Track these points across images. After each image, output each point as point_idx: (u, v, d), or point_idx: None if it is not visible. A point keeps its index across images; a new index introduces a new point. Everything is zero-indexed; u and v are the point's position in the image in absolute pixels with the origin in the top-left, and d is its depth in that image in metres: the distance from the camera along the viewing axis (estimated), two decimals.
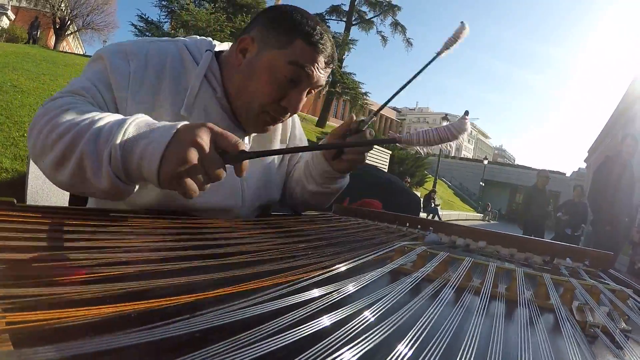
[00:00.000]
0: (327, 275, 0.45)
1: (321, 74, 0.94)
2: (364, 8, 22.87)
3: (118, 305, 0.30)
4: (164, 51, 0.93)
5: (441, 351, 0.29)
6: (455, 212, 21.12)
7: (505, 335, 0.35)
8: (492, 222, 27.91)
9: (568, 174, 43.14)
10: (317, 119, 24.24)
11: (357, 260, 0.54)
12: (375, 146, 13.44)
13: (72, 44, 36.44)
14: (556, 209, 7.91)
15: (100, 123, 0.69)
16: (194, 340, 0.27)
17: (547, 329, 0.40)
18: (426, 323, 0.34)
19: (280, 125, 1.13)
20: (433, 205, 14.65)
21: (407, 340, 0.30)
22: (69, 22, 27.13)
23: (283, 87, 0.91)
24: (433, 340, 0.31)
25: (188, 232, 0.63)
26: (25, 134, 5.28)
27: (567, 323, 0.40)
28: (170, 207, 0.88)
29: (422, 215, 13.58)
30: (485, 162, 39.84)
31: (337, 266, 0.49)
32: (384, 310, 0.36)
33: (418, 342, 0.30)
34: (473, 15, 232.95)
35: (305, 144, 1.27)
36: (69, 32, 28.02)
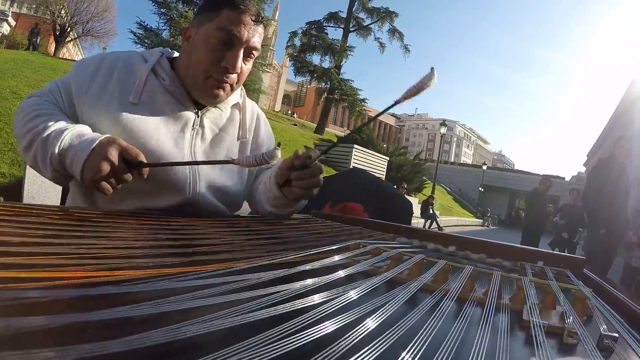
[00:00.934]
0: (260, 264, 0.48)
1: (250, 32, 1.07)
2: (362, 15, 22.93)
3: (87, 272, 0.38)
4: (118, 56, 1.12)
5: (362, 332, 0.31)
6: (454, 218, 21.02)
7: (416, 323, 0.36)
8: (491, 227, 27.56)
9: (567, 178, 43.04)
10: (315, 125, 24.22)
11: (299, 254, 0.56)
12: (373, 153, 13.35)
13: (72, 51, 36.48)
14: (553, 213, 7.93)
15: (49, 130, 0.94)
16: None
17: (469, 321, 0.41)
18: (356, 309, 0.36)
19: (237, 122, 1.23)
20: (431, 211, 14.59)
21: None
22: (69, 29, 27.18)
23: (218, 50, 1.06)
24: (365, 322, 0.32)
25: (157, 228, 0.69)
26: None
27: (502, 320, 0.41)
28: (140, 209, 1.02)
29: (420, 221, 13.54)
30: (484, 167, 39.79)
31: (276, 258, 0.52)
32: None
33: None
34: (471, 19, 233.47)
35: (273, 143, 1.33)
36: (69, 39, 28.05)
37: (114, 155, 0.88)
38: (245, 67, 1.11)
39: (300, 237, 0.82)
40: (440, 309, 0.41)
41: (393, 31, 22.81)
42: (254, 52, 1.11)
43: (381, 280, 0.49)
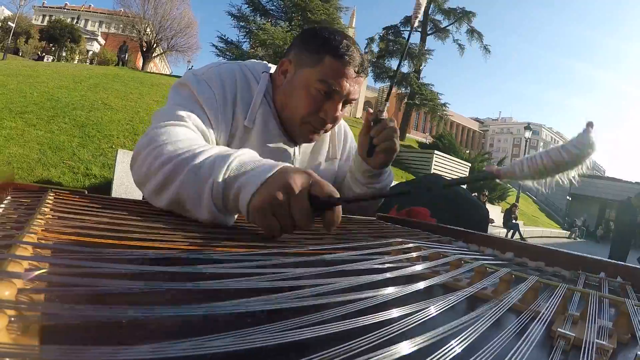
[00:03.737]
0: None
1: (351, 85, 1.04)
2: (438, 17, 22.37)
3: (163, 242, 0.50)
4: (232, 70, 1.07)
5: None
6: (539, 229, 19.65)
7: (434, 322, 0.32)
8: (578, 240, 24.76)
9: None
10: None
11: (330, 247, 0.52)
12: (454, 159, 13.02)
13: (159, 65, 39.07)
14: None
15: (202, 157, 0.73)
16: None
17: (495, 328, 0.35)
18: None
19: (327, 142, 1.26)
20: (514, 221, 13.72)
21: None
22: (154, 45, 29.14)
23: (318, 100, 1.04)
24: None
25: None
26: (113, 146, 5.69)
27: (528, 328, 0.36)
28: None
29: (502, 231, 12.80)
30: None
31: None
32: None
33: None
34: (556, 17, 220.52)
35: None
36: (155, 54, 30.02)
37: (297, 184, 0.62)
38: (341, 113, 1.10)
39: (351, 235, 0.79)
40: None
41: (472, 32, 22.04)
42: (352, 101, 1.09)
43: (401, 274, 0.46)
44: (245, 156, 0.72)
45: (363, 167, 1.13)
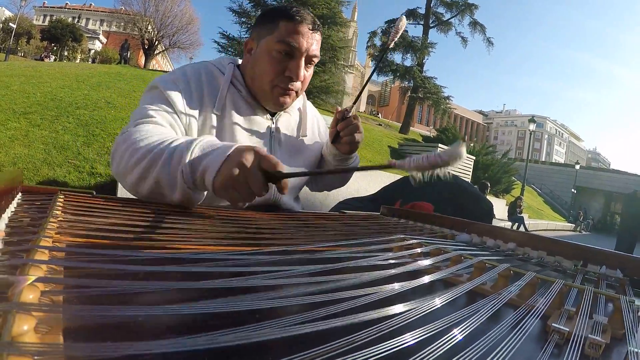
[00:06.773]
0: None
1: (308, 41, 1.13)
2: (441, 9, 22.15)
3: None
4: (197, 69, 1.18)
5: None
6: (543, 222, 19.56)
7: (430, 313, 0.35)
8: (583, 232, 24.39)
9: None
10: (400, 125, 23.66)
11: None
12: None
13: (161, 62, 39.01)
14: None
15: (170, 147, 0.86)
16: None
17: (488, 322, 0.37)
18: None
19: (301, 124, 1.35)
20: (519, 213, 13.67)
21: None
22: (156, 42, 29.06)
23: (281, 61, 1.12)
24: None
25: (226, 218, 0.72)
26: None
27: (523, 323, 0.38)
28: (216, 204, 1.04)
29: (507, 224, 12.77)
30: (577, 167, 37.03)
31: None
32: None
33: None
34: (557, 6, 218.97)
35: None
36: (157, 51, 29.96)
37: (249, 160, 0.77)
38: (307, 74, 1.18)
39: (349, 231, 0.81)
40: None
41: (474, 24, 21.86)
42: (314, 59, 1.17)
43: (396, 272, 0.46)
44: (205, 142, 0.86)
45: (333, 151, 1.30)
